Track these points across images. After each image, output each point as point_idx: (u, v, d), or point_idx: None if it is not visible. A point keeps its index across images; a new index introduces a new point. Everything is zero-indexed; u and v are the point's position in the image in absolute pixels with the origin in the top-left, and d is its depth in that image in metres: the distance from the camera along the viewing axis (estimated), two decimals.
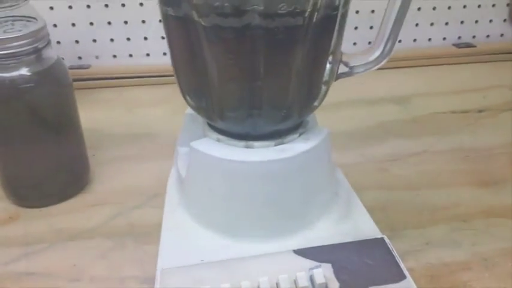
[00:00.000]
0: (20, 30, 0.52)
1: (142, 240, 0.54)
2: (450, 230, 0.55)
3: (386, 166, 0.67)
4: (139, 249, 0.53)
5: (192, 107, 0.41)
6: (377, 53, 0.40)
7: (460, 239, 0.54)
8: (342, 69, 0.41)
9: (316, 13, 0.35)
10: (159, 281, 0.37)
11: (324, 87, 0.40)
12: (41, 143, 0.56)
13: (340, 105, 0.82)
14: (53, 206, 0.59)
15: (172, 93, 0.85)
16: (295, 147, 0.40)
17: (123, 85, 0.89)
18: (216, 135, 0.41)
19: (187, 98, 0.41)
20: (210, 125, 0.42)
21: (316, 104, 0.41)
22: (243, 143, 0.39)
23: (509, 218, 0.57)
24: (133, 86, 0.90)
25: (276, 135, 0.40)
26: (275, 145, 0.40)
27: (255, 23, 0.33)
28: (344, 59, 0.41)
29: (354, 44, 0.92)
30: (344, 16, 0.37)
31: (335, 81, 0.41)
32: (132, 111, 0.82)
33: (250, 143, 0.39)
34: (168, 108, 0.82)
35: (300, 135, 0.41)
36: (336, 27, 0.37)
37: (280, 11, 0.33)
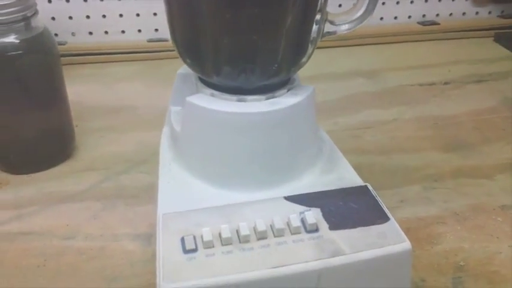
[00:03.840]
0: None
1: (131, 202, 0.56)
2: (423, 189, 0.59)
3: (360, 133, 0.70)
4: (129, 210, 0.55)
5: (187, 64, 0.44)
6: (361, 11, 0.43)
7: (432, 196, 0.58)
8: (328, 28, 0.44)
9: None
10: (160, 225, 0.39)
11: (310, 46, 0.43)
12: (29, 110, 0.58)
13: (311, 79, 0.84)
14: (42, 172, 0.61)
15: (147, 69, 0.88)
16: (284, 100, 0.42)
17: (100, 61, 0.91)
18: (209, 90, 0.43)
19: (184, 55, 0.43)
20: (203, 82, 0.44)
21: (303, 60, 0.43)
22: (235, 97, 0.42)
23: (477, 177, 0.61)
24: (109, 62, 0.91)
25: (267, 90, 0.42)
26: (266, 99, 0.42)
27: None
28: (329, 18, 0.43)
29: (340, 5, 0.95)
30: None
31: (321, 39, 0.44)
32: (110, 85, 0.84)
33: (243, 97, 0.42)
34: (145, 83, 0.84)
35: (288, 90, 0.44)
36: None
37: None
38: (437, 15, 1.05)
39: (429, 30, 1.03)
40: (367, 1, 0.42)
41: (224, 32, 0.39)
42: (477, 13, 1.07)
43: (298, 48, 0.42)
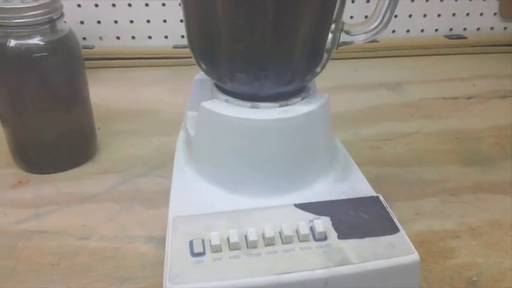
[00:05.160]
0: (35, 1, 0.54)
1: (147, 205, 0.57)
2: (440, 203, 0.58)
3: (379, 145, 0.70)
4: (145, 213, 0.56)
5: (203, 70, 0.44)
6: (376, 23, 0.43)
7: (449, 210, 0.57)
8: (343, 38, 0.44)
9: None
10: (170, 228, 0.39)
11: (325, 55, 0.43)
12: (52, 111, 0.59)
13: (335, 89, 0.85)
14: (62, 172, 0.62)
15: (172, 75, 0.89)
16: (298, 108, 0.43)
17: (126, 66, 0.93)
18: (224, 96, 0.43)
19: (199, 60, 0.44)
20: (218, 88, 0.45)
21: (318, 70, 0.44)
22: (249, 103, 0.42)
23: (496, 193, 0.60)
24: (135, 66, 0.93)
25: (281, 98, 0.43)
26: (279, 106, 0.42)
27: None
28: (345, 28, 0.44)
29: (351, 17, 0.96)
30: None
31: (336, 49, 0.44)
32: (134, 89, 0.85)
33: (256, 103, 0.42)
34: (169, 88, 0.85)
35: (303, 99, 0.44)
36: None
37: None
38: (465, 29, 1.05)
39: (456, 44, 1.02)
40: (383, 12, 0.42)
41: (238, 39, 0.40)
42: (505, 28, 1.06)
43: (312, 57, 0.42)
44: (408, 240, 0.40)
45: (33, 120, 0.59)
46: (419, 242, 0.52)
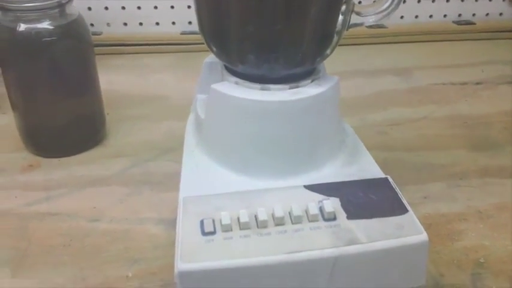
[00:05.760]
0: None
1: (157, 188, 0.57)
2: (447, 187, 0.59)
3: (387, 130, 0.70)
4: (155, 196, 0.56)
5: (214, 53, 0.44)
6: (387, 4, 0.43)
7: (456, 194, 0.57)
8: (354, 20, 0.44)
9: None
10: (181, 208, 0.40)
11: (336, 37, 0.43)
12: (61, 96, 0.60)
13: (342, 75, 0.84)
14: (72, 156, 0.62)
15: (179, 61, 0.89)
16: (308, 90, 0.43)
17: (134, 52, 0.93)
18: (234, 78, 0.44)
19: (210, 43, 0.44)
20: (228, 70, 0.45)
21: (328, 52, 0.44)
22: (259, 85, 0.42)
23: (504, 177, 0.61)
24: (143, 53, 0.93)
25: (291, 80, 0.43)
26: (289, 88, 0.43)
27: None
28: (356, 9, 0.44)
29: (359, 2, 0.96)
30: None
31: (347, 30, 0.44)
32: (142, 76, 0.85)
33: (267, 85, 0.42)
34: (176, 74, 0.86)
35: (313, 81, 0.44)
36: None
37: None
38: (474, 15, 1.04)
39: (464, 29, 1.02)
40: None
41: (249, 20, 0.40)
42: None
43: (322, 39, 0.42)
44: (417, 220, 0.40)
45: (43, 105, 0.59)
46: (427, 225, 0.52)
